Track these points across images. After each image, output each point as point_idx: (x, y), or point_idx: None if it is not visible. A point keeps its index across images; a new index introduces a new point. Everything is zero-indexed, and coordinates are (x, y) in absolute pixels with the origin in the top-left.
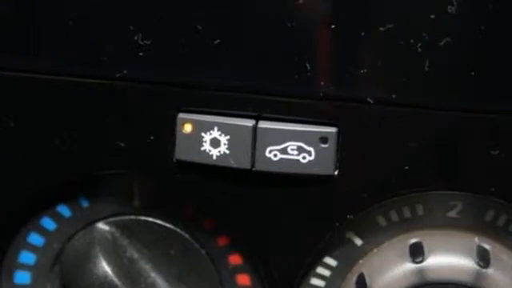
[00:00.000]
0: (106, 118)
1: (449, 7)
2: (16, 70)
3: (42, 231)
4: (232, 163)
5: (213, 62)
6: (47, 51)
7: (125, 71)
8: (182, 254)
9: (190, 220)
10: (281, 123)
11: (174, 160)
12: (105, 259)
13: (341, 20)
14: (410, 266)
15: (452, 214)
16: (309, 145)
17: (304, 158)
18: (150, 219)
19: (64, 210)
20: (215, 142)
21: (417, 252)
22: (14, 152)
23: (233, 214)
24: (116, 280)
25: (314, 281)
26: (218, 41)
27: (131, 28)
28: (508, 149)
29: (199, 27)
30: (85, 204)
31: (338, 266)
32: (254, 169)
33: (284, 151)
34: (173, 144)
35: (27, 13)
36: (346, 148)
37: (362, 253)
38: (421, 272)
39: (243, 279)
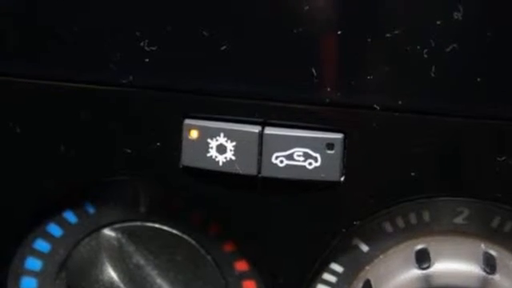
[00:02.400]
0: (112, 125)
1: (455, 13)
2: (22, 77)
3: (49, 237)
4: (238, 169)
5: (219, 68)
6: (53, 58)
7: (131, 77)
8: (188, 260)
9: (196, 226)
10: (287, 129)
11: (180, 166)
12: (111, 265)
13: (347, 26)
14: (416, 272)
15: (458, 220)
16: (315, 151)
17: (310, 164)
18: (156, 225)
19: (70, 217)
20: (221, 148)
21: (423, 258)
22: (21, 158)
23: (239, 220)
24: (122, 286)
25: (321, 287)
26: (224, 47)
27: (137, 34)
28: None
29: (205, 33)
30: (91, 210)
31: (344, 272)
32: (260, 175)
33: (290, 157)
34: (179, 150)
35: (34, 20)
36: (353, 154)
37: (368, 259)
38: (427, 278)
39: (249, 285)
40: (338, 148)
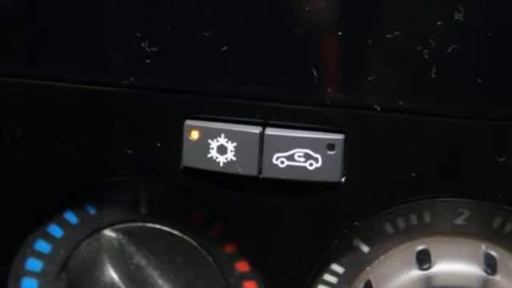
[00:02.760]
0: (113, 125)
1: (455, 14)
2: (23, 77)
3: (49, 238)
4: (239, 170)
5: (220, 68)
6: (54, 58)
7: (132, 78)
8: (189, 261)
9: (196, 227)
10: (288, 130)
11: (181, 167)
12: (112, 266)
13: (348, 27)
14: (416, 273)
15: (459, 221)
16: (316, 152)
17: (311, 164)
18: (157, 226)
19: (71, 217)
20: (222, 149)
21: (424, 259)
22: (21, 159)
23: (240, 221)
24: (123, 287)
25: None
26: (225, 48)
27: (138, 35)
28: None
29: (206, 34)
30: (92, 211)
31: (345, 273)
32: (260, 176)
33: (291, 158)
34: (180, 151)
35: (35, 20)
36: (353, 155)
37: (369, 260)
38: (428, 279)
39: (250, 286)
40: (339, 149)
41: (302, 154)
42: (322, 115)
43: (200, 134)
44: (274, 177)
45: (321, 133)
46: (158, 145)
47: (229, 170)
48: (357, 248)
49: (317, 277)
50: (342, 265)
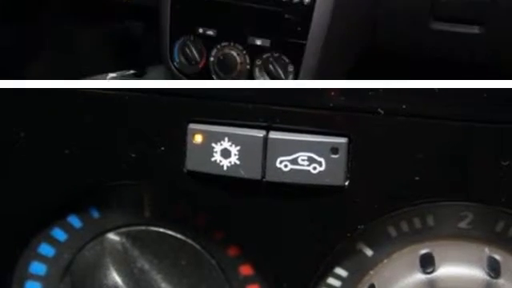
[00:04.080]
0: (117, 129)
1: None
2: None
3: (53, 242)
4: (242, 174)
5: None
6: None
7: None
8: (192, 265)
9: (200, 230)
10: (291, 134)
11: (185, 170)
12: (115, 270)
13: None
14: (420, 276)
15: (462, 224)
16: (319, 155)
17: (314, 168)
18: (161, 230)
19: (75, 221)
20: (226, 153)
21: (427, 263)
22: (25, 163)
23: (243, 225)
24: None
25: None
26: None
27: None
28: None
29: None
30: (95, 215)
31: (348, 277)
32: (264, 179)
33: (294, 162)
34: (183, 154)
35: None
36: (357, 159)
37: (372, 263)
38: (431, 283)
39: None
40: (343, 152)
41: (305, 158)
42: (325, 119)
43: (204, 137)
44: (277, 180)
45: (324, 136)
46: (162, 148)
47: (232, 174)
48: (360, 251)
49: (320, 280)
50: (345, 268)
